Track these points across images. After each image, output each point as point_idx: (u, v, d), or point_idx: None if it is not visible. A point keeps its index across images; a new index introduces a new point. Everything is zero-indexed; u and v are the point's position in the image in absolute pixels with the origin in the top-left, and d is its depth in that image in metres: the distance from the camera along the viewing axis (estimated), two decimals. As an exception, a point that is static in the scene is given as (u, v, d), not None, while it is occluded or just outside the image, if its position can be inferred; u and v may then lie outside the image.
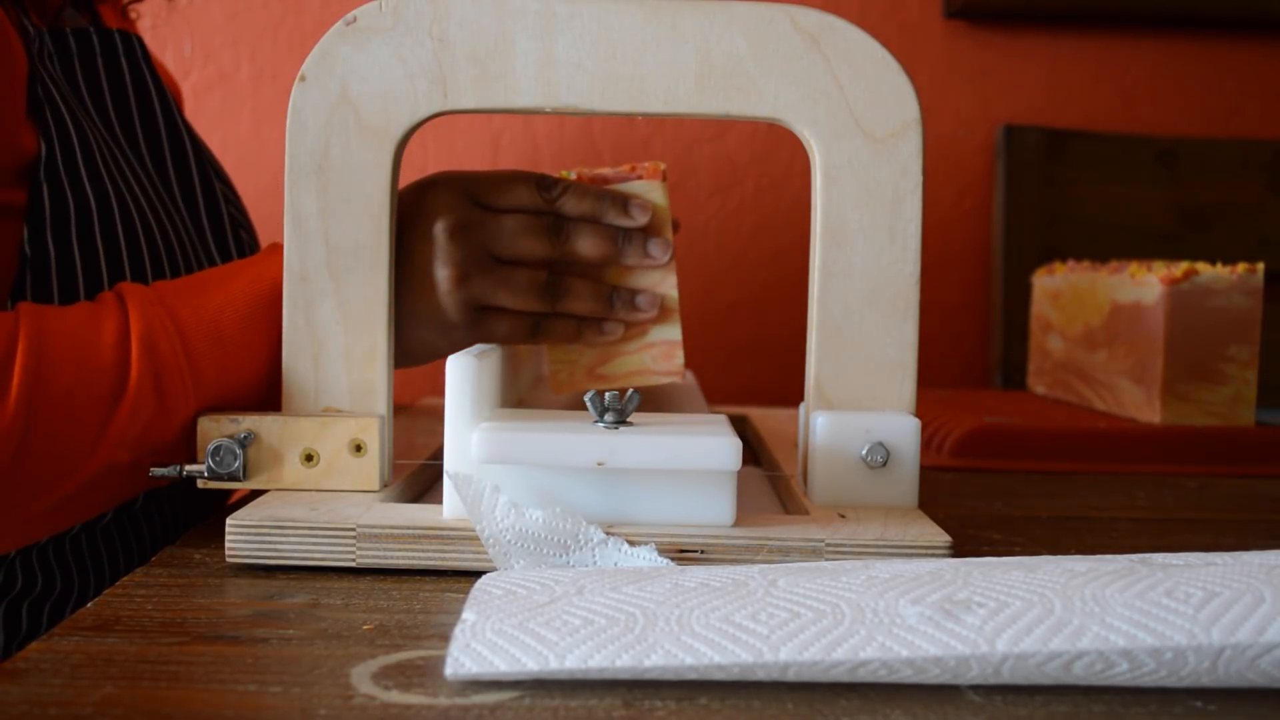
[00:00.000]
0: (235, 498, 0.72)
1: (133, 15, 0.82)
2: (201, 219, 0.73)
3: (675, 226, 0.68)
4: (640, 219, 0.63)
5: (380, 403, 0.58)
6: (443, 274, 0.61)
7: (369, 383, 0.58)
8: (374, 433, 0.57)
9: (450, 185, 0.63)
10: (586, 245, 0.63)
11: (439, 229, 0.61)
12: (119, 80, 0.70)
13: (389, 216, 0.58)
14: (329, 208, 0.57)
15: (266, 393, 0.60)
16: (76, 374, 0.53)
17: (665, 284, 0.65)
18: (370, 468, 0.57)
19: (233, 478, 0.56)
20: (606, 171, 0.65)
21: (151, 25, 1.24)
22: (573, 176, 0.65)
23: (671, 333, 0.65)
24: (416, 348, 0.62)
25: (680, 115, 0.58)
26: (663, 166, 0.65)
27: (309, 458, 0.57)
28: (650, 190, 0.65)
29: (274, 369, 0.59)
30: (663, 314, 0.65)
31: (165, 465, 0.56)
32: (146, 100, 0.71)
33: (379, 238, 0.58)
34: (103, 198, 0.63)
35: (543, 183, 0.63)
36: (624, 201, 0.63)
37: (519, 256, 0.62)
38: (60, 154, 0.62)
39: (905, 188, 0.58)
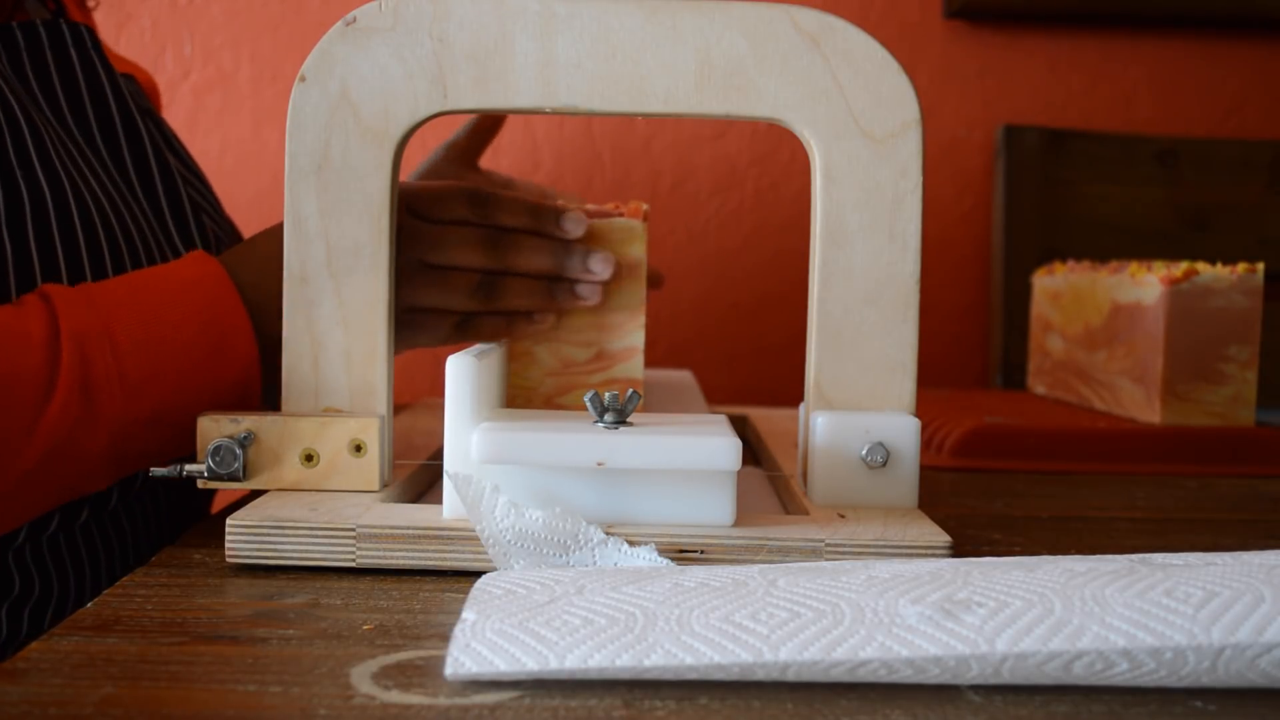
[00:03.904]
0: (229, 501, 0.71)
1: (90, 4, 0.82)
2: (161, 206, 0.72)
3: (658, 281, 0.67)
4: (573, 231, 0.64)
5: (380, 403, 0.58)
6: None
7: (369, 383, 0.58)
8: (374, 433, 0.57)
9: None
10: (524, 257, 0.63)
11: None
12: (69, 72, 0.70)
13: (389, 216, 0.58)
14: (329, 208, 0.57)
15: (208, 402, 0.59)
16: (7, 371, 0.53)
17: (634, 336, 0.65)
18: (370, 468, 0.57)
19: (233, 478, 0.56)
20: (590, 207, 0.66)
21: (152, 25, 1.24)
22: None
23: (634, 371, 0.66)
24: None
25: (680, 115, 0.58)
26: (644, 207, 0.65)
27: (309, 458, 0.57)
28: (630, 229, 0.65)
29: (212, 379, 0.59)
30: (627, 353, 0.65)
31: (165, 466, 0.56)
32: (99, 90, 0.71)
33: (379, 238, 0.58)
34: (58, 191, 0.63)
35: (474, 197, 0.63)
36: (557, 214, 0.64)
37: (454, 266, 0.63)
38: (13, 148, 0.62)
39: (905, 188, 0.58)
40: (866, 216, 0.58)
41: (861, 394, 0.59)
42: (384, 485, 0.58)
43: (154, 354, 0.57)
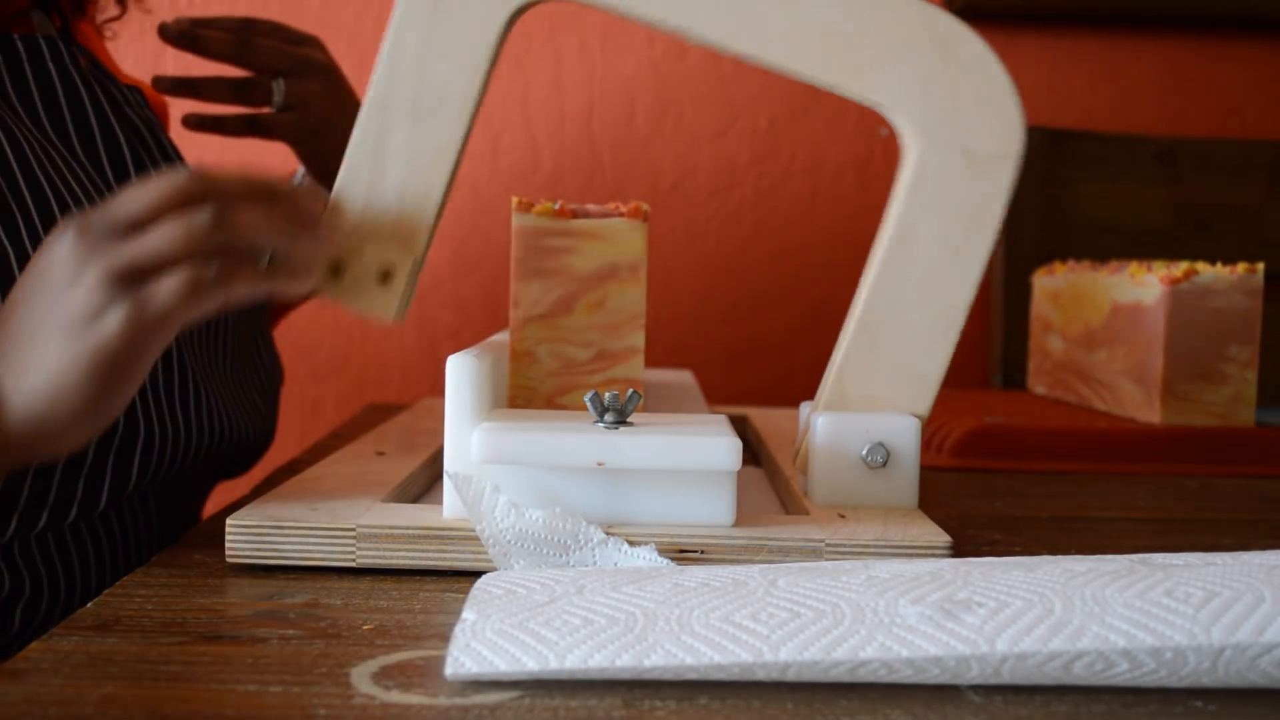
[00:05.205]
0: (223, 505, 0.71)
1: (108, 34, 0.84)
2: None
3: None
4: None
5: (419, 245, 0.57)
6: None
7: (414, 223, 0.57)
8: (406, 266, 0.56)
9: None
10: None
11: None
12: (48, 83, 0.71)
13: (486, 71, 0.56)
14: (429, 48, 0.56)
15: None
16: None
17: (634, 336, 0.65)
18: (391, 299, 0.56)
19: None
20: (590, 208, 0.65)
21: (153, 26, 1.24)
22: (556, 207, 0.65)
23: (634, 371, 0.66)
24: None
25: (786, 74, 0.56)
26: (645, 207, 0.65)
27: (335, 270, 0.56)
28: (630, 229, 0.65)
29: None
30: (627, 353, 0.65)
31: None
32: (76, 100, 0.72)
33: (469, 89, 0.56)
34: (38, 194, 0.63)
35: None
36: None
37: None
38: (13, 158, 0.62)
39: (988, 214, 0.56)
40: (940, 229, 0.57)
41: (881, 399, 0.58)
42: (398, 319, 0.57)
43: None
